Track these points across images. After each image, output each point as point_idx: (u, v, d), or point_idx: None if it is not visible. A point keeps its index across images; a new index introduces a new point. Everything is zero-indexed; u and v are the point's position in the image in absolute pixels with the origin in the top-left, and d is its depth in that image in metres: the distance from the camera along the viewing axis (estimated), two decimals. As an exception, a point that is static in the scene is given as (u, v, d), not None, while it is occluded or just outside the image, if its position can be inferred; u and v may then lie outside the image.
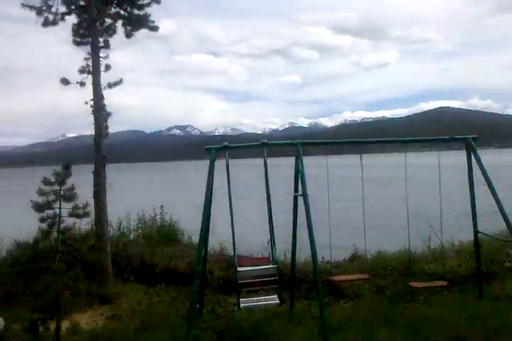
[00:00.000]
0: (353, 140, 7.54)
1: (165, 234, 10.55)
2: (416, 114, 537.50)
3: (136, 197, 26.25)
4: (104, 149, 8.97)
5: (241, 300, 6.28)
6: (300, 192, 6.57)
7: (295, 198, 7.03)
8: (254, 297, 6.86)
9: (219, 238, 10.00)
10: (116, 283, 8.57)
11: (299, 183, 6.65)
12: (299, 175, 6.60)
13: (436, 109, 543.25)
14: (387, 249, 9.64)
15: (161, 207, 11.31)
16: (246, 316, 7.05)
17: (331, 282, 7.28)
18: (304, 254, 8.62)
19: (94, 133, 8.99)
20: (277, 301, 6.39)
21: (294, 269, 7.35)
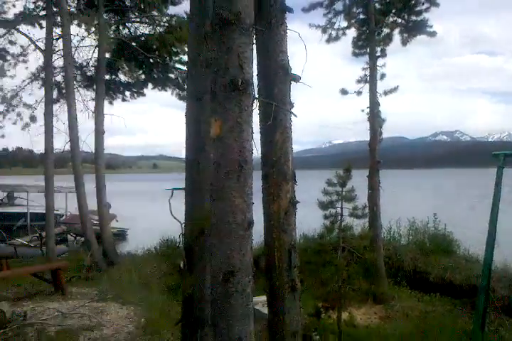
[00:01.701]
0: None
1: (438, 243, 10.12)
2: None
3: (403, 203, 25.96)
4: (377, 154, 9.28)
5: None
6: None
7: None
8: None
9: (502, 254, 8.98)
10: (388, 285, 8.73)
11: None
12: None
13: None
14: None
15: (434, 215, 10.94)
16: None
17: None
18: None
19: (368, 139, 9.41)
20: None
21: None
